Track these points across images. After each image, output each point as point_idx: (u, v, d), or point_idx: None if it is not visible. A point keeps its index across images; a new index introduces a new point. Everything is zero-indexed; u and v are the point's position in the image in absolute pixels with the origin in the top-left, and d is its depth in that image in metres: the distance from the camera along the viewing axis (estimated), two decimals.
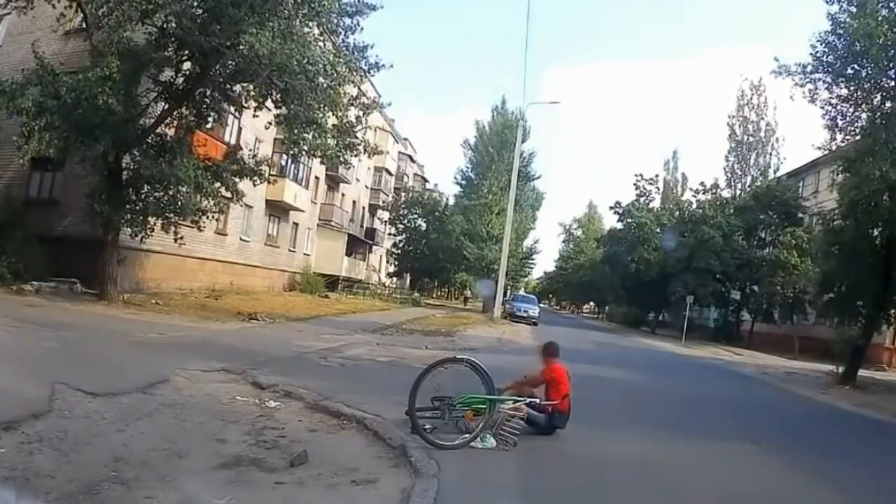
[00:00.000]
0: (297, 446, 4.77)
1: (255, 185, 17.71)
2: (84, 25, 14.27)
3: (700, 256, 32.66)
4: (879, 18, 13.22)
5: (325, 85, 14.02)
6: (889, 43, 13.11)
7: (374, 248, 46.77)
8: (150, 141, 14.44)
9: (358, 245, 41.24)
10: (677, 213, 38.98)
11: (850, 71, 14.38)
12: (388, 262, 48.88)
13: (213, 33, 12.51)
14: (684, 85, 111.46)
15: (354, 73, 14.72)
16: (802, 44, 76.86)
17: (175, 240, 15.31)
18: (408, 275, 48.40)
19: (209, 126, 17.29)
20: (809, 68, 14.84)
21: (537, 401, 5.91)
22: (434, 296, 55.15)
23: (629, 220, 38.96)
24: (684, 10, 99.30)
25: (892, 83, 14.35)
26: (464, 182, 52.75)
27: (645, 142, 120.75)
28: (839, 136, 15.57)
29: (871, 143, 13.80)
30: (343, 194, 38.57)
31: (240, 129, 21.67)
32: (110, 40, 12.62)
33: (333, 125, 14.92)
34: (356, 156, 16.86)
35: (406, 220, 44.49)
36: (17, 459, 3.82)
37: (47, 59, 13.38)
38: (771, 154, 43.63)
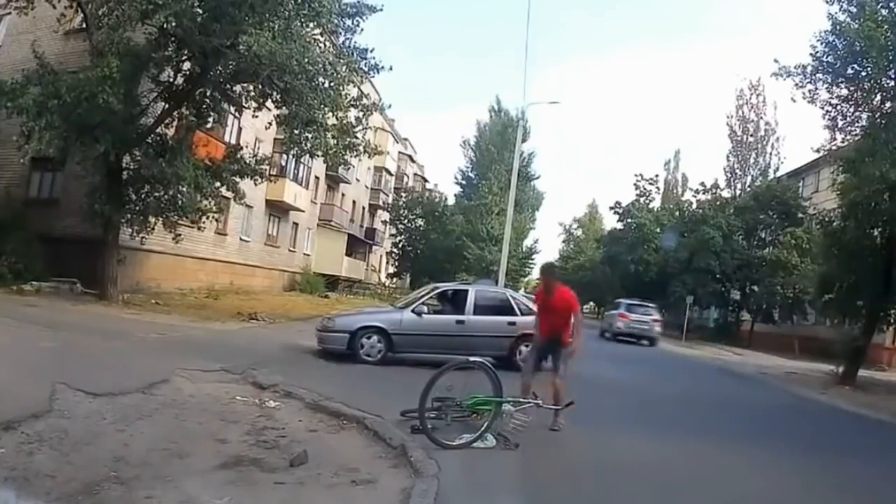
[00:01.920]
0: (297, 446, 4.76)
1: (255, 185, 17.74)
2: (84, 25, 14.29)
3: (700, 257, 32.60)
4: (879, 19, 13.20)
5: (325, 85, 14.04)
6: (889, 43, 13.09)
7: (375, 248, 46.73)
8: (150, 141, 14.47)
9: (358, 245, 41.23)
10: (677, 213, 38.89)
11: (850, 71, 14.35)
12: (388, 262, 48.86)
13: (214, 33, 12.53)
14: (685, 84, 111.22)
15: (355, 73, 14.74)
16: (803, 38, 76.84)
17: (174, 238, 15.33)
18: (408, 275, 48.39)
19: (209, 126, 17.32)
20: (809, 69, 14.81)
21: (540, 402, 5.92)
22: None
23: (629, 221, 38.90)
24: (685, 6, 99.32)
25: (893, 83, 14.34)
26: (464, 182, 52.74)
27: (645, 142, 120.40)
28: (839, 137, 15.56)
29: (871, 144, 13.77)
30: (343, 194, 38.55)
31: (240, 129, 21.68)
32: (110, 40, 12.66)
33: (333, 125, 14.94)
34: (356, 156, 16.89)
35: (406, 221, 44.47)
36: (17, 459, 3.82)
37: (47, 59, 13.39)
38: (771, 154, 43.43)
